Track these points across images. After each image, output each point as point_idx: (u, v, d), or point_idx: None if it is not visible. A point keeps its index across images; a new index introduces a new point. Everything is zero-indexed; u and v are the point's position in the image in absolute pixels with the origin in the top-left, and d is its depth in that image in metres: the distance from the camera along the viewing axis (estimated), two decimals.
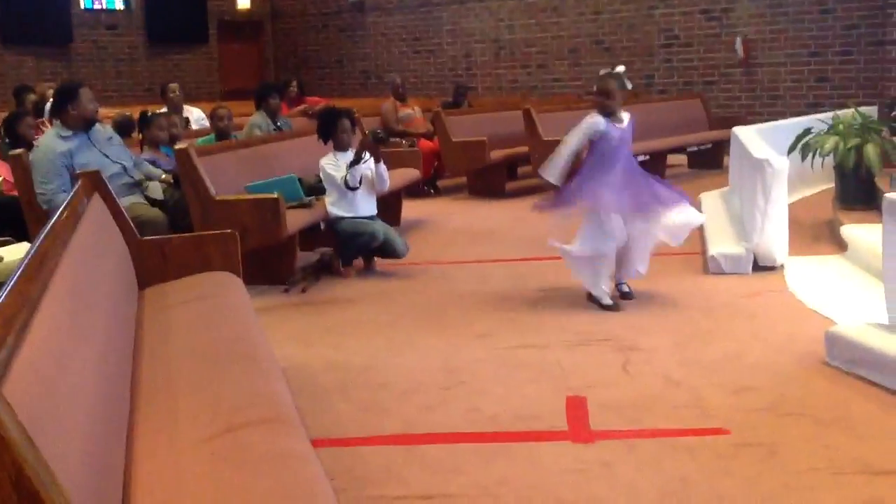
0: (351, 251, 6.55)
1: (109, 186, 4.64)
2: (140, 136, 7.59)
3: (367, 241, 6.44)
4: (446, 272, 6.69)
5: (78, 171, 4.93)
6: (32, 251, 2.75)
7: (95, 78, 16.24)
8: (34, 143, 6.91)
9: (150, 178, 6.58)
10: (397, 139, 10.43)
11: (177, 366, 3.27)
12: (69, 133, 6.17)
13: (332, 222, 6.55)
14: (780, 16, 13.66)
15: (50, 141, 6.24)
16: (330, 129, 6.54)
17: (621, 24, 15.12)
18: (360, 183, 6.36)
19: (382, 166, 6.50)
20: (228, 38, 18.85)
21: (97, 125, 6.42)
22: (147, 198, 6.40)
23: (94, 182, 4.52)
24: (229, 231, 4.73)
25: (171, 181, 6.59)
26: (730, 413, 3.84)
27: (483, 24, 16.56)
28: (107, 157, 6.21)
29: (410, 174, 8.56)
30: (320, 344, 5.02)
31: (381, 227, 6.52)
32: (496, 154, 10.18)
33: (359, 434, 3.79)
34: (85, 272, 3.25)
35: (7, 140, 7.79)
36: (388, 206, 8.03)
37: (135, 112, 10.89)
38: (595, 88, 5.48)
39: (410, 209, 8.93)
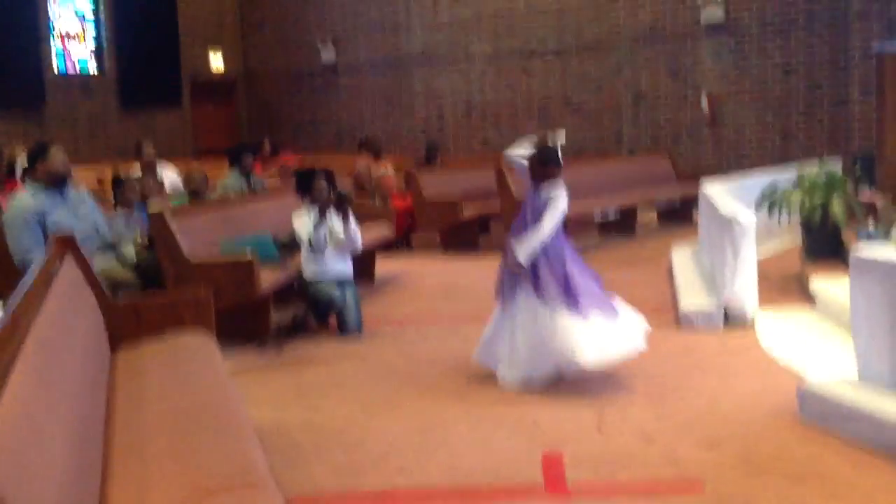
0: (318, 312, 6.57)
1: (82, 248, 4.63)
2: (113, 198, 7.59)
3: (325, 309, 6.48)
4: (421, 330, 6.69)
5: (51, 232, 4.92)
6: (4, 316, 2.74)
7: (69, 139, 16.19)
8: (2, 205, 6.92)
9: (122, 239, 6.57)
10: (371, 201, 10.49)
11: (150, 431, 3.24)
12: (41, 191, 6.16)
13: (301, 281, 6.56)
14: (744, 76, 13.95)
15: (22, 199, 6.25)
16: (307, 187, 6.60)
17: (589, 83, 15.37)
18: (326, 242, 6.39)
19: (353, 226, 6.54)
20: (202, 98, 18.94)
21: (71, 187, 6.42)
22: (119, 260, 6.38)
23: (67, 245, 4.52)
24: (202, 292, 4.73)
25: (147, 243, 6.57)
26: (704, 469, 3.86)
27: (454, 85, 16.77)
28: (78, 217, 6.20)
29: (384, 233, 8.60)
30: (296, 405, 5.00)
31: (340, 297, 6.47)
32: (469, 211, 10.27)
33: (337, 493, 3.76)
34: (57, 336, 3.24)
35: None
36: (363, 263, 8.05)
37: (108, 173, 10.91)
38: (544, 158, 5.24)
39: (385, 266, 8.94)
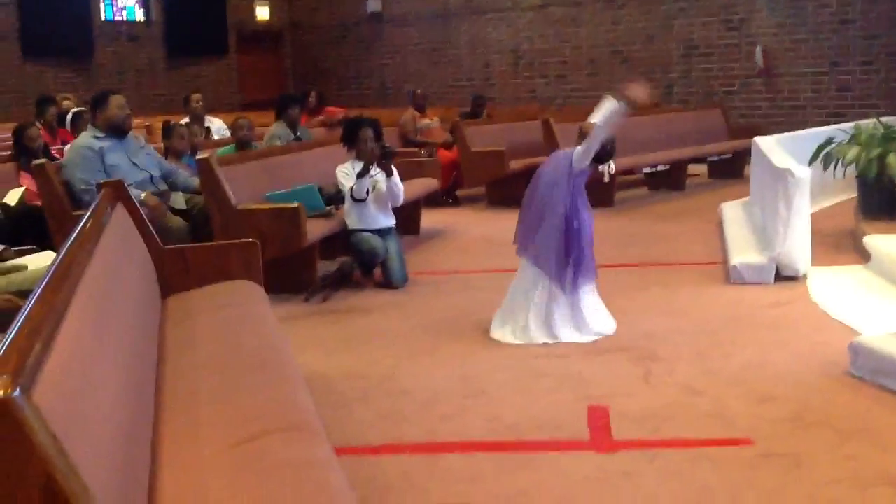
0: (362, 263, 6.58)
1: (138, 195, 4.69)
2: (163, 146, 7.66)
3: (369, 258, 6.48)
4: (465, 281, 6.69)
5: (108, 176, 5.03)
6: (57, 261, 2.77)
7: (116, 89, 16.36)
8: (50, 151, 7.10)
9: (183, 187, 6.68)
10: (416, 149, 10.45)
11: (200, 375, 3.28)
12: (102, 135, 6.41)
13: (347, 232, 6.58)
14: (800, 26, 13.62)
15: (82, 139, 6.59)
16: (353, 137, 6.58)
17: (640, 34, 15.11)
18: (368, 195, 6.39)
19: (395, 179, 6.53)
20: (248, 49, 18.95)
21: (131, 134, 6.59)
22: (170, 207, 6.46)
23: (118, 191, 4.55)
24: (250, 240, 4.75)
25: (198, 191, 6.66)
26: (753, 423, 3.82)
27: (501, 35, 16.59)
28: (136, 165, 6.35)
29: (429, 184, 8.58)
30: (340, 353, 5.03)
31: (383, 248, 6.46)
32: (515, 164, 10.18)
33: (379, 442, 3.79)
34: (109, 281, 3.27)
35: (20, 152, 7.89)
36: (408, 215, 8.05)
37: (156, 122, 11.00)
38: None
39: (429, 219, 8.94)
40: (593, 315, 5.14)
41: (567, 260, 5.05)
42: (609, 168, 5.36)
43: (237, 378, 3.19)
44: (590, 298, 5.16)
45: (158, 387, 3.21)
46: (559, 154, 5.32)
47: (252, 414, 2.84)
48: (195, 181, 6.69)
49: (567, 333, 5.03)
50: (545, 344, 4.99)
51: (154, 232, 4.67)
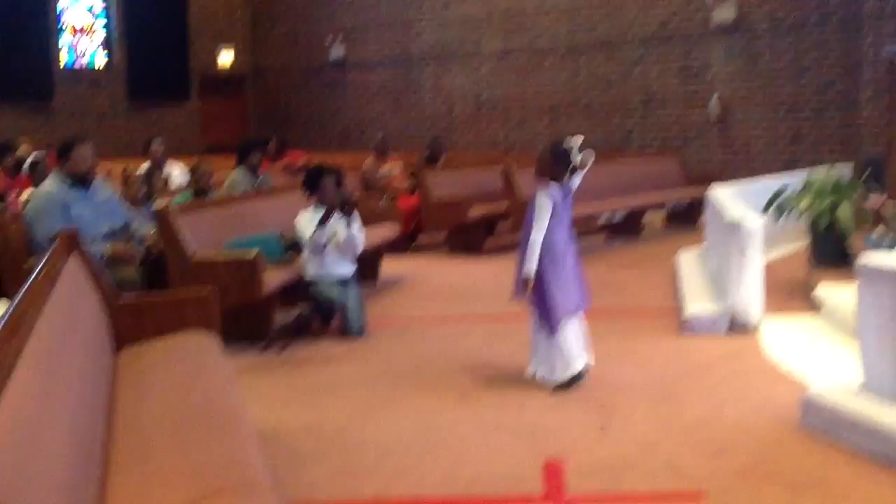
0: (321, 312, 6.56)
1: (96, 246, 4.65)
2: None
3: (327, 308, 6.48)
4: (425, 331, 6.68)
5: (73, 224, 4.99)
6: (8, 314, 2.74)
7: (77, 133, 16.26)
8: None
9: (138, 238, 6.62)
10: (378, 195, 10.49)
11: (151, 430, 3.24)
12: (68, 181, 6.34)
13: (306, 281, 6.56)
14: (755, 75, 13.91)
15: (45, 187, 6.49)
16: (314, 185, 6.60)
17: (600, 81, 15.34)
18: (327, 243, 6.40)
19: (356, 228, 6.54)
20: (210, 93, 18.98)
21: (99, 182, 6.54)
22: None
23: (72, 241, 4.52)
24: (207, 290, 4.73)
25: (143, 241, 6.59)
26: (707, 476, 3.84)
27: (464, 81, 16.76)
28: (101, 215, 6.31)
29: (390, 230, 8.59)
30: (297, 404, 4.99)
31: (342, 297, 6.44)
32: (475, 211, 10.25)
33: (334, 499, 3.76)
34: (61, 334, 3.24)
35: None
36: (369, 263, 8.04)
37: (116, 167, 10.93)
38: (558, 156, 5.18)
39: (390, 266, 8.93)
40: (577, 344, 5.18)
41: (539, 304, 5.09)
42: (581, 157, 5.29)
43: (190, 433, 3.16)
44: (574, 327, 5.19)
45: (109, 442, 3.17)
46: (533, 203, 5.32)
47: (203, 471, 2.81)
48: (144, 230, 6.62)
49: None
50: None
51: (108, 283, 4.63)
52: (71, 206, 6.23)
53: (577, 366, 5.11)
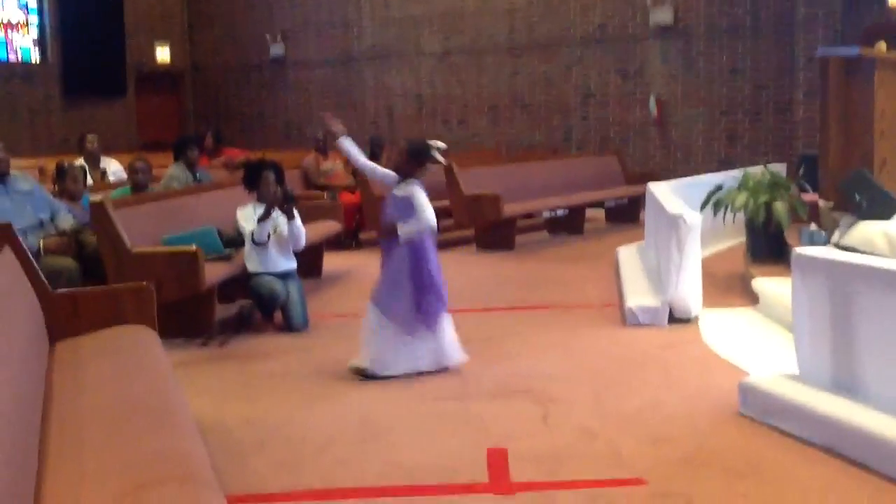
0: (262, 306, 6.50)
1: (26, 238, 4.54)
2: (55, 188, 7.44)
3: (269, 302, 6.41)
4: None
5: None
6: None
7: (9, 129, 15.85)
8: None
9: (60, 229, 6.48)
10: (319, 192, 10.42)
11: (87, 423, 3.18)
12: None
13: (247, 275, 6.49)
14: (691, 77, 14.13)
15: None
16: (255, 180, 6.53)
17: (539, 81, 15.45)
18: (269, 238, 6.34)
19: (297, 223, 6.49)
20: (147, 90, 18.67)
21: (16, 176, 6.40)
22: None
23: (4, 234, 4.41)
24: (144, 283, 4.65)
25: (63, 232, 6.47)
26: (647, 464, 3.88)
27: (405, 80, 16.74)
28: (22, 208, 6.16)
29: (332, 227, 8.55)
30: (237, 399, 4.93)
31: (284, 291, 6.39)
32: None
33: (275, 490, 3.72)
34: None
35: None
36: (310, 258, 7.99)
37: (50, 163, 10.69)
38: (418, 153, 5.29)
39: (332, 262, 8.89)
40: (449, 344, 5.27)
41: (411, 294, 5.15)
42: (440, 158, 5.38)
43: (126, 427, 3.10)
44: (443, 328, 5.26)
45: (43, 436, 3.10)
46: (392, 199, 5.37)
47: (141, 464, 2.75)
48: (67, 223, 6.48)
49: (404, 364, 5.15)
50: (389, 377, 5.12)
51: (42, 276, 4.53)
52: None
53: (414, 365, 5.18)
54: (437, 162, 5.30)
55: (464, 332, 6.23)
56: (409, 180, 5.26)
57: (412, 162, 5.28)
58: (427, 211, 5.19)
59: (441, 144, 5.34)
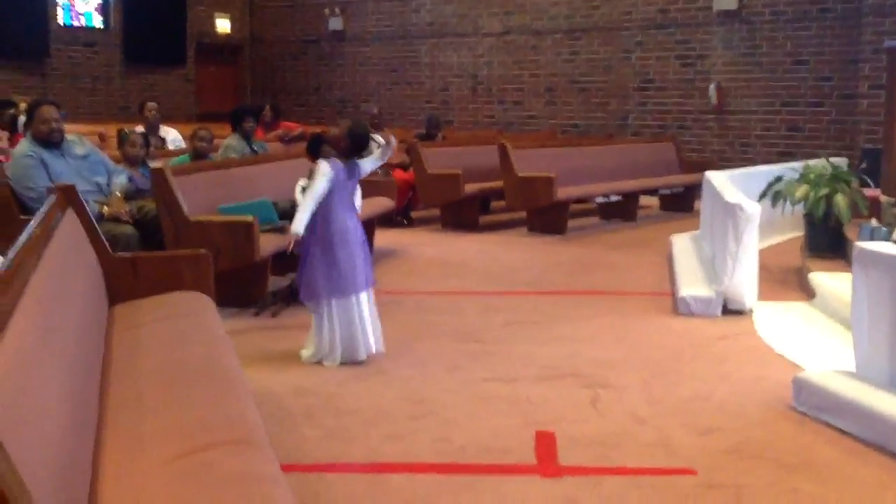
0: None
1: (87, 202, 4.61)
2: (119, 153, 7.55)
3: None
4: (417, 302, 6.68)
5: (52, 184, 4.94)
6: (4, 266, 2.72)
7: (70, 94, 16.11)
8: None
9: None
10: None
11: (145, 384, 3.23)
12: (39, 145, 6.28)
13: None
14: (753, 65, 13.89)
15: (21, 146, 6.44)
16: (318, 150, 6.56)
17: (598, 65, 15.29)
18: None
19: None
20: (206, 60, 18.82)
21: (72, 141, 6.49)
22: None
23: (68, 196, 4.49)
24: (203, 251, 4.71)
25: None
26: (696, 454, 3.86)
27: (461, 59, 16.68)
28: (80, 174, 6.25)
29: (384, 203, 8.57)
30: (288, 369, 4.99)
31: None
32: (470, 187, 10.22)
33: (324, 461, 3.75)
34: (56, 287, 3.22)
35: None
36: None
37: (111, 129, 10.85)
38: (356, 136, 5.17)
39: (383, 239, 8.92)
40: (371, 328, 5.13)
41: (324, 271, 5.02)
42: (374, 150, 5.32)
43: (183, 389, 3.15)
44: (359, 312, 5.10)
45: (103, 395, 3.16)
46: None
47: (197, 426, 2.80)
48: (120, 186, 6.58)
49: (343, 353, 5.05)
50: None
51: (103, 239, 4.60)
52: (49, 164, 6.20)
53: (351, 356, 5.06)
54: (371, 153, 5.22)
55: (514, 314, 6.26)
56: (333, 159, 5.12)
57: (351, 145, 5.16)
58: (313, 188, 5.02)
59: (381, 140, 5.27)
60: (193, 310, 4.23)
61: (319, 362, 5.05)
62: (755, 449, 3.93)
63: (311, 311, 5.13)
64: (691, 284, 6.54)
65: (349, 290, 5.04)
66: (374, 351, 5.13)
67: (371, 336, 5.12)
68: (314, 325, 5.11)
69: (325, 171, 5.04)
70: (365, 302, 5.12)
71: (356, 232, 5.16)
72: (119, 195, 6.43)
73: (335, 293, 5.02)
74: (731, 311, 6.21)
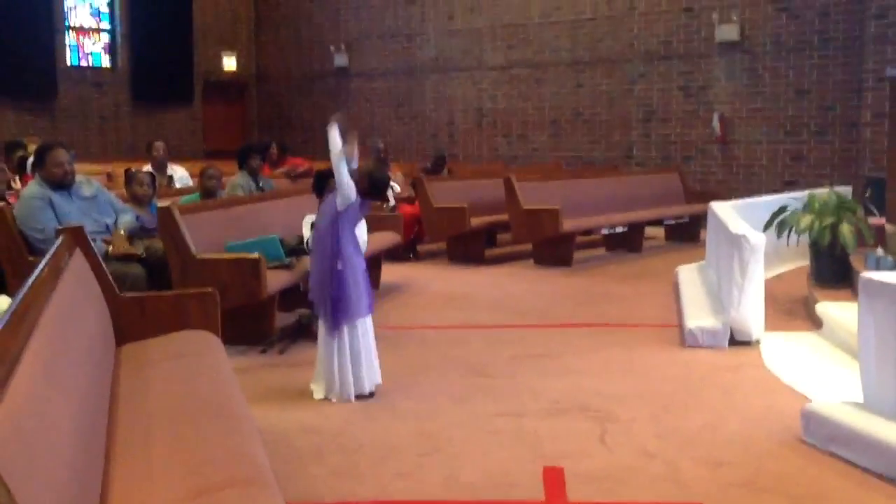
0: None
1: (95, 243, 4.65)
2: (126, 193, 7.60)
3: None
4: (424, 336, 6.69)
5: (60, 225, 4.98)
6: (13, 307, 2.74)
7: (78, 134, 16.26)
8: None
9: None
10: (378, 203, 10.49)
11: (153, 423, 3.24)
12: (48, 187, 6.34)
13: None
14: (756, 95, 13.96)
15: (30, 188, 6.49)
16: (324, 187, 6.61)
17: (601, 97, 15.38)
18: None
19: (361, 229, 6.53)
20: (213, 98, 18.99)
21: (80, 182, 6.55)
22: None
23: (76, 237, 4.52)
24: (209, 289, 4.73)
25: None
26: (706, 487, 3.84)
27: (466, 93, 16.79)
28: (89, 216, 6.30)
29: (391, 238, 8.60)
30: (296, 406, 4.99)
31: None
32: (476, 221, 10.26)
33: (332, 499, 3.75)
34: (64, 328, 3.24)
35: None
36: (369, 269, 8.01)
37: (118, 168, 10.93)
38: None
39: (390, 273, 8.94)
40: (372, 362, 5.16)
41: (330, 299, 5.07)
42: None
43: (191, 429, 3.16)
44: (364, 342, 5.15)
45: (110, 435, 3.17)
46: (329, 198, 5.34)
47: (205, 466, 2.80)
48: (129, 222, 6.62)
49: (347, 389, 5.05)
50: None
51: (111, 279, 4.63)
52: (57, 205, 6.26)
53: (359, 388, 5.06)
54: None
55: (521, 348, 6.26)
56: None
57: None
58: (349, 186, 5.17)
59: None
60: (200, 349, 4.24)
61: (328, 399, 5.06)
62: (765, 482, 3.91)
63: (327, 335, 5.10)
64: (698, 316, 6.53)
65: (362, 314, 5.11)
66: (378, 381, 5.15)
67: (375, 367, 5.15)
68: (323, 360, 5.12)
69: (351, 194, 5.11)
70: (370, 330, 5.17)
71: (360, 259, 5.28)
72: (122, 233, 6.47)
73: (353, 317, 5.09)
74: (738, 341, 6.20)
